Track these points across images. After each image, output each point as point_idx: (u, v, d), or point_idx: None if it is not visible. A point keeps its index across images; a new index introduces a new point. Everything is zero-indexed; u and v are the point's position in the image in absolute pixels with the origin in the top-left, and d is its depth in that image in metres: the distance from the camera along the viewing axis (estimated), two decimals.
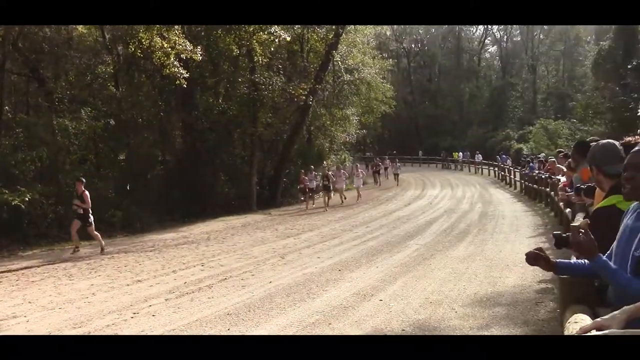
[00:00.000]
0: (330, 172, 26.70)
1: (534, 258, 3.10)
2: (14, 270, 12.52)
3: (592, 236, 2.73)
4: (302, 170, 27.32)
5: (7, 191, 16.90)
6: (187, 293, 9.56)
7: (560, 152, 16.65)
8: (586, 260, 2.99)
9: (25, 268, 12.78)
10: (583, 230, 2.66)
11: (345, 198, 26.83)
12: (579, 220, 5.11)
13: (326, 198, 25.45)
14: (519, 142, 54.56)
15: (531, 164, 25.42)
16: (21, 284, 11.01)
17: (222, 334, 7.15)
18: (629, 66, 36.07)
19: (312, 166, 27.11)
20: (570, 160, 10.91)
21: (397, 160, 44.49)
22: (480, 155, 50.74)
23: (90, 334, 7.25)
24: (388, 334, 6.80)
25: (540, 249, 3.16)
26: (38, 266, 12.96)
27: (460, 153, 52.78)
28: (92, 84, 25.14)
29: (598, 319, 2.19)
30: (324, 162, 33.26)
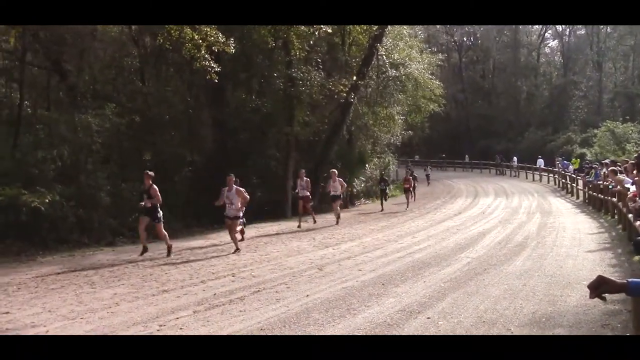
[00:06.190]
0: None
1: (596, 286, 3.02)
2: (33, 277, 12.77)
3: None
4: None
5: (26, 192, 17.22)
6: (217, 305, 9.63)
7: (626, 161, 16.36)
8: None
9: (45, 274, 13.03)
10: None
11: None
12: None
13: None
14: (582, 146, 53.77)
15: (597, 171, 24.99)
16: (40, 292, 11.21)
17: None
18: None
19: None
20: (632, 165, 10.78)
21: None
22: (542, 160, 48.88)
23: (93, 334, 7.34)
24: None
25: (599, 276, 3.08)
26: (58, 273, 13.20)
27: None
28: (116, 78, 25.55)
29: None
30: (366, 165, 33.07)
